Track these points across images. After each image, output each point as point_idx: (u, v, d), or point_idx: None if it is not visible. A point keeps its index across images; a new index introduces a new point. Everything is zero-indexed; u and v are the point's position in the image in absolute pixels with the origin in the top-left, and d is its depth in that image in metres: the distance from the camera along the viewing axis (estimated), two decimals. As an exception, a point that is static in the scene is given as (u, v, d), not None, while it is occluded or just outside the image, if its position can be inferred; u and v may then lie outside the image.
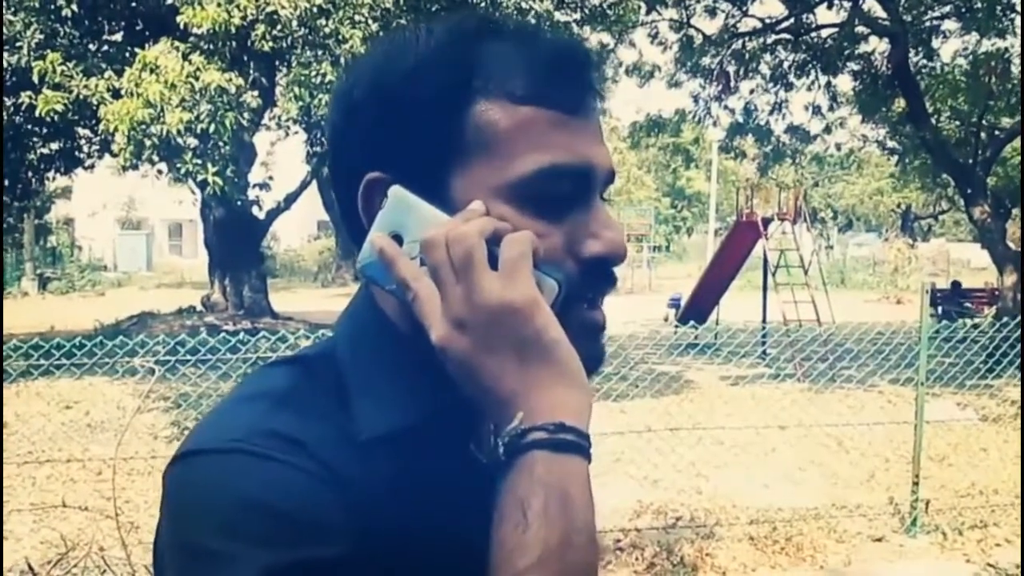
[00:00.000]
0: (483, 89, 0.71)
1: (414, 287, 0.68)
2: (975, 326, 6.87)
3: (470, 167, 0.71)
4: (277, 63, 11.53)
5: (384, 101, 0.72)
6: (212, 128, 9.87)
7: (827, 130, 17.57)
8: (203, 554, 0.64)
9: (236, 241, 14.82)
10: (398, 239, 0.70)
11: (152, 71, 9.84)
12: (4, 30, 10.47)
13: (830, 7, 15.35)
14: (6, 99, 11.09)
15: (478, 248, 0.66)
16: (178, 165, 10.29)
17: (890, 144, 18.82)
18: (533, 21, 11.69)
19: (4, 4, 10.38)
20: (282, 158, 20.25)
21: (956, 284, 18.44)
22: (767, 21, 15.67)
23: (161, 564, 0.69)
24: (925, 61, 15.59)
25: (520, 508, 0.63)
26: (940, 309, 16.51)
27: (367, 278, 0.73)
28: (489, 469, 0.67)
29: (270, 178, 14.50)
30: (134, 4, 11.59)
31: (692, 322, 10.26)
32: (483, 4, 11.68)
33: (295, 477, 0.65)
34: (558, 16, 12.61)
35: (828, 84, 16.43)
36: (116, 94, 10.11)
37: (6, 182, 13.26)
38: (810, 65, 15.97)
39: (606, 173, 0.75)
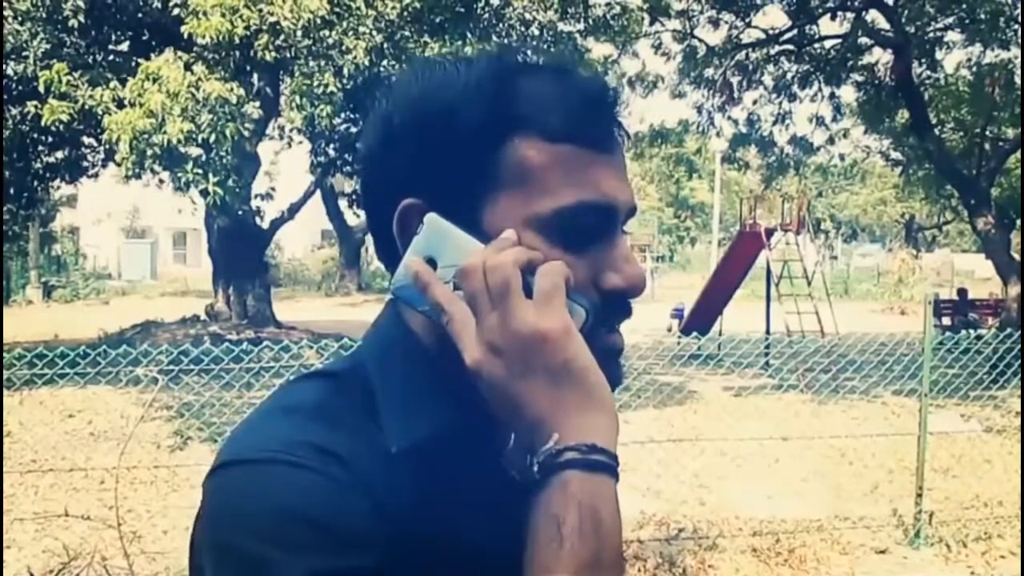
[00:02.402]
0: (520, 125, 0.74)
1: (449, 311, 0.71)
2: (978, 337, 6.86)
3: (502, 198, 0.74)
4: (281, 74, 11.57)
5: (424, 131, 0.75)
6: (213, 138, 9.91)
7: (831, 141, 17.61)
8: (243, 558, 0.67)
9: (240, 250, 14.84)
10: (432, 263, 0.73)
11: (154, 81, 9.88)
12: (11, 40, 10.53)
13: (833, 18, 15.40)
14: (12, 108, 11.15)
15: (514, 277, 0.69)
16: (179, 174, 10.32)
17: (894, 155, 18.84)
18: (536, 32, 11.73)
19: (13, 14, 10.43)
20: (286, 168, 20.32)
21: (962, 292, 18.27)
22: (770, 32, 15.72)
23: (198, 561, 0.73)
24: (928, 72, 15.63)
25: (555, 524, 0.65)
26: (950, 320, 16.45)
27: (401, 300, 0.76)
28: (517, 480, 0.70)
29: (272, 189, 14.52)
30: (140, 15, 11.64)
31: (695, 332, 10.27)
32: (486, 15, 11.72)
33: (332, 487, 0.68)
34: (562, 27, 12.65)
35: (831, 95, 16.48)
36: (120, 104, 10.15)
37: (11, 190, 13.31)
38: (813, 76, 16.01)
39: (628, 209, 0.78)
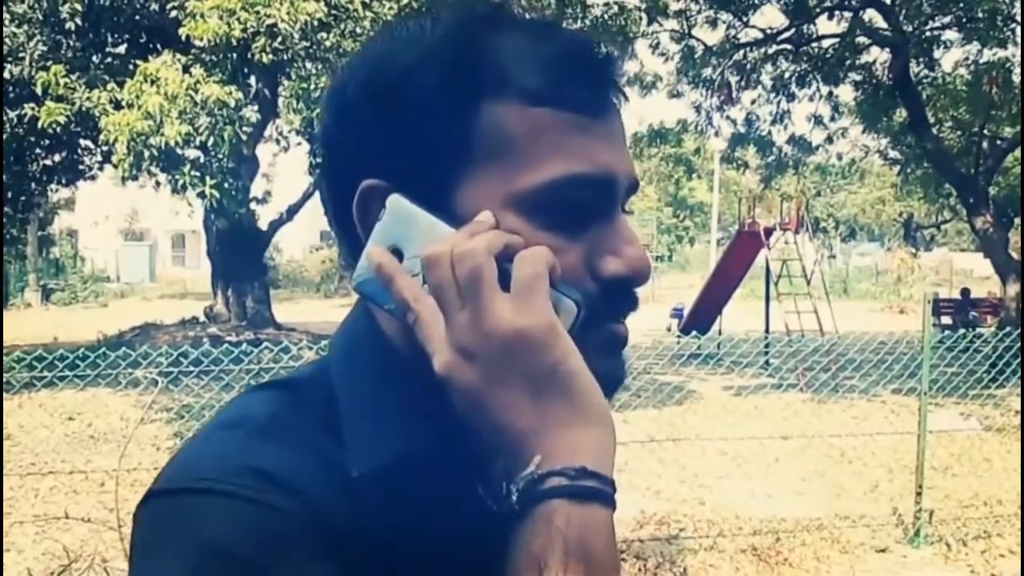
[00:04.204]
0: (494, 87, 0.63)
1: (415, 308, 0.61)
2: (977, 336, 6.87)
3: (478, 175, 0.63)
4: (279, 76, 11.58)
5: (381, 99, 0.65)
6: (211, 141, 9.91)
7: (829, 140, 17.61)
8: None
9: (239, 252, 14.85)
10: (398, 253, 0.63)
11: (152, 83, 9.88)
12: (8, 42, 10.52)
13: (831, 18, 15.39)
14: (9, 111, 11.14)
15: (486, 267, 0.59)
16: (176, 177, 10.33)
17: (892, 154, 18.85)
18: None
19: (10, 16, 10.43)
20: (284, 169, 20.29)
21: (965, 291, 18.25)
22: (768, 32, 15.71)
23: None
24: (926, 71, 15.64)
25: (536, 566, 0.55)
26: (952, 319, 16.45)
27: (363, 295, 0.66)
28: (495, 508, 0.60)
29: (268, 192, 14.50)
30: (137, 17, 11.64)
31: (695, 332, 10.27)
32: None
33: (274, 520, 0.58)
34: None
35: (829, 94, 16.48)
36: (118, 106, 10.15)
37: (9, 193, 13.30)
38: (811, 75, 16.01)
39: (629, 182, 0.67)
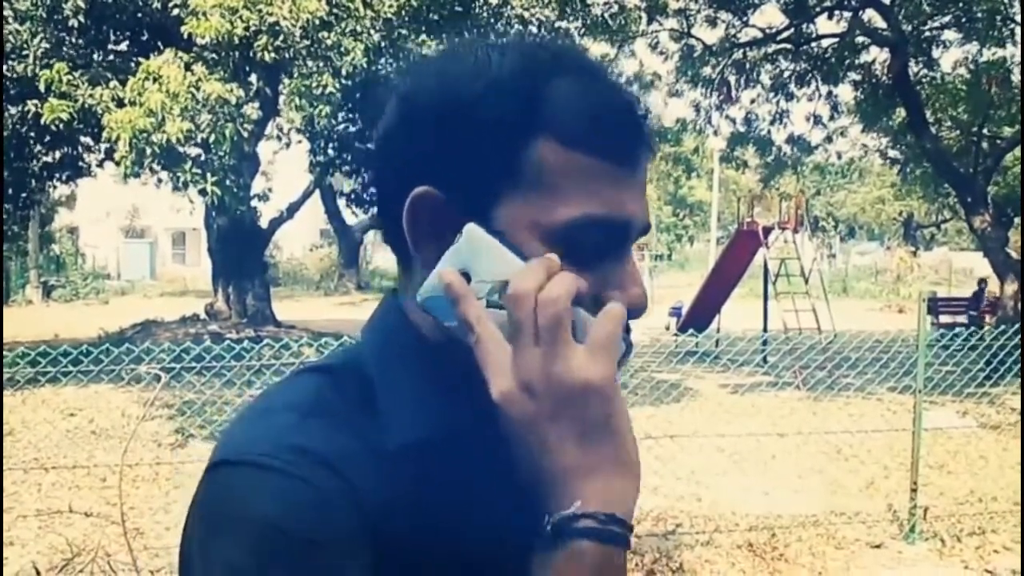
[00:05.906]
0: (545, 127, 0.71)
1: (478, 331, 0.67)
2: (973, 334, 6.92)
3: (517, 199, 0.71)
4: (281, 74, 11.62)
5: (448, 118, 0.71)
6: (212, 138, 9.95)
7: (828, 139, 17.66)
8: (224, 564, 0.66)
9: (239, 250, 14.88)
10: (465, 276, 0.69)
11: (155, 80, 9.93)
12: (11, 39, 10.56)
13: (830, 17, 15.44)
14: (11, 108, 11.17)
15: (567, 316, 0.65)
16: (177, 174, 10.37)
17: (891, 153, 18.89)
18: (535, 30, 11.77)
19: (12, 14, 10.47)
20: (285, 167, 20.34)
21: (982, 281, 17.74)
22: (767, 31, 15.75)
23: (189, 566, 0.70)
24: (925, 71, 15.67)
25: None
26: (967, 317, 16.39)
27: (427, 310, 0.72)
28: (516, 485, 0.67)
29: (269, 189, 14.59)
30: (139, 15, 11.68)
31: (692, 330, 10.31)
32: (485, 13, 11.76)
33: (317, 498, 0.66)
34: (560, 24, 12.69)
35: (829, 94, 16.51)
36: (120, 103, 10.19)
37: (9, 190, 13.32)
38: (811, 75, 16.04)
39: (642, 227, 0.75)
